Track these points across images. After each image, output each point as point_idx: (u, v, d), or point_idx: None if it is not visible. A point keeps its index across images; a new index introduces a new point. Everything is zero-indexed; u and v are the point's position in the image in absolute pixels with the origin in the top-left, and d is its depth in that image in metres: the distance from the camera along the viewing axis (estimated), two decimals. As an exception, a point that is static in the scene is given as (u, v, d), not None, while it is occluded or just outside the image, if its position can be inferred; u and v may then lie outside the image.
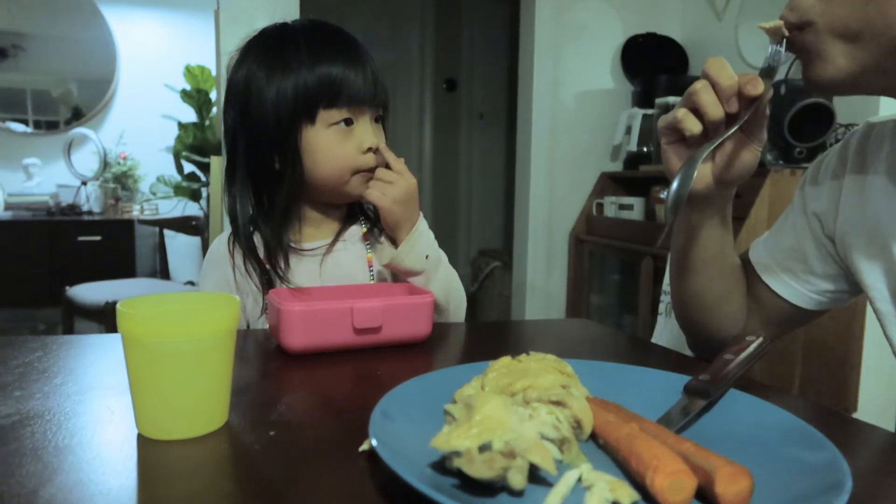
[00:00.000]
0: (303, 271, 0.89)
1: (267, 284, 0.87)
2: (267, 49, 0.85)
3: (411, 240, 0.85)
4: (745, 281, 0.80)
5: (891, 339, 0.71)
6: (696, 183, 0.66)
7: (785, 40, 0.60)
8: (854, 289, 0.75)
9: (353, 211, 0.96)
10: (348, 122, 0.85)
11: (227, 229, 0.92)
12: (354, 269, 0.91)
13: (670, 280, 0.82)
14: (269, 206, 0.89)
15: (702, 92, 0.60)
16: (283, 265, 0.87)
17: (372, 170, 0.87)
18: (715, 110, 0.59)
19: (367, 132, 0.86)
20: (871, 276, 0.69)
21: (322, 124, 0.84)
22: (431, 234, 0.89)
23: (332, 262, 0.91)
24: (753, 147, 0.64)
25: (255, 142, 0.86)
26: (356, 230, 0.94)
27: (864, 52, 0.56)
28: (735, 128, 0.60)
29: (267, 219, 0.88)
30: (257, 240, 0.89)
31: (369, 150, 0.86)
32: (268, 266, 0.88)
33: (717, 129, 0.61)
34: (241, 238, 0.88)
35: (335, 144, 0.84)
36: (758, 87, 0.59)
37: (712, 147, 0.61)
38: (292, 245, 0.89)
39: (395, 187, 0.84)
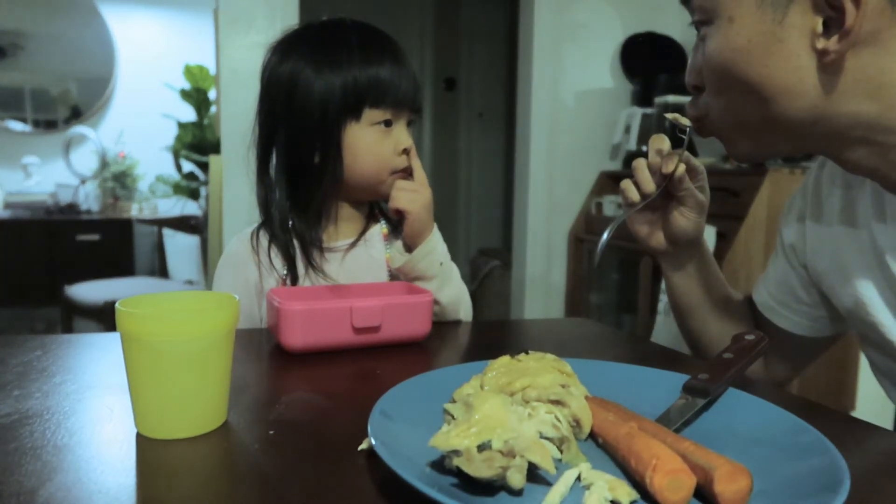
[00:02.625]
0: (325, 268, 0.90)
1: (292, 280, 0.88)
2: (315, 46, 0.87)
3: (428, 245, 0.87)
4: (750, 320, 0.84)
5: (867, 357, 0.75)
6: (653, 242, 0.80)
7: (693, 127, 0.69)
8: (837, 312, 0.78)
9: (373, 211, 0.97)
10: (388, 122, 0.87)
11: (247, 227, 0.93)
12: (373, 267, 0.92)
13: (676, 320, 0.88)
14: (304, 201, 0.90)
15: (637, 169, 0.75)
16: (317, 259, 0.89)
17: (405, 170, 0.89)
18: (646, 185, 0.74)
19: (403, 134, 0.88)
20: (837, 300, 0.73)
21: (366, 122, 0.86)
22: (445, 247, 0.91)
23: (351, 260, 0.92)
24: (688, 214, 0.76)
25: (296, 136, 0.87)
26: (377, 230, 0.95)
27: (754, 137, 0.63)
28: (648, 199, 0.74)
29: (301, 213, 0.90)
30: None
31: (404, 151, 0.88)
32: (299, 259, 0.89)
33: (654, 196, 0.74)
34: (276, 227, 0.89)
35: (376, 143, 0.86)
36: (668, 166, 0.72)
37: (625, 216, 0.77)
38: (325, 242, 0.91)
39: (420, 195, 0.87)
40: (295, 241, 0.90)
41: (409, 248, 0.88)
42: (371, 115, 0.85)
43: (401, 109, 0.87)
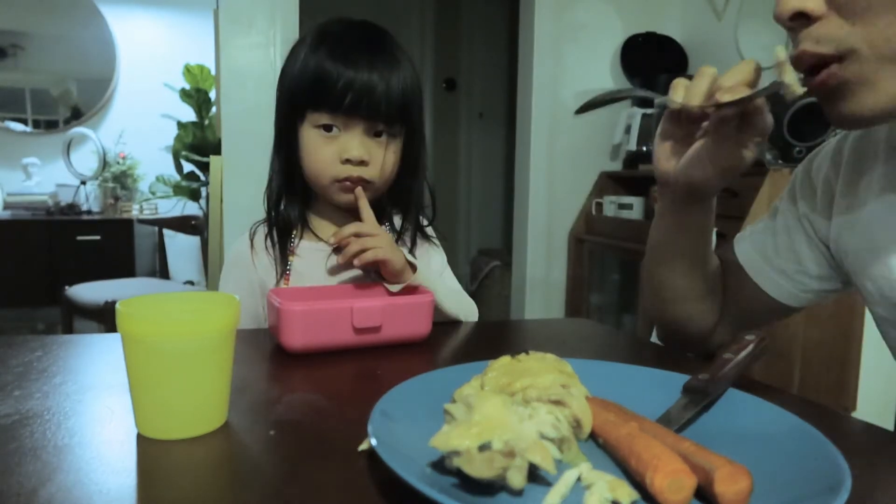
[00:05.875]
0: (312, 262, 0.90)
1: (284, 271, 0.89)
2: (305, 42, 0.88)
3: (417, 277, 0.83)
4: (720, 282, 0.79)
5: (888, 341, 0.71)
6: (696, 173, 0.66)
7: (805, 75, 0.54)
8: (845, 287, 0.76)
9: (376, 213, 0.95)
10: (328, 128, 0.84)
11: (247, 228, 0.94)
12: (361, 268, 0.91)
13: (644, 262, 0.81)
14: (291, 190, 0.91)
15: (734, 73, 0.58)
16: (296, 241, 0.90)
17: (350, 180, 0.85)
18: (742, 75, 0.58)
19: (351, 142, 0.84)
20: (867, 280, 0.70)
21: (309, 124, 0.85)
22: (444, 257, 0.93)
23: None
24: (752, 138, 0.63)
25: (275, 126, 0.90)
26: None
27: None
28: (762, 89, 0.57)
29: (292, 198, 0.91)
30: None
31: (348, 161, 0.84)
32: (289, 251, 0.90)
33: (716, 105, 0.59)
34: (269, 209, 0.91)
35: (317, 147, 0.85)
36: (788, 75, 0.54)
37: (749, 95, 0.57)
38: (312, 229, 0.92)
39: (381, 239, 0.82)
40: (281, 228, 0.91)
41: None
42: (312, 117, 0.84)
43: (349, 116, 0.83)
